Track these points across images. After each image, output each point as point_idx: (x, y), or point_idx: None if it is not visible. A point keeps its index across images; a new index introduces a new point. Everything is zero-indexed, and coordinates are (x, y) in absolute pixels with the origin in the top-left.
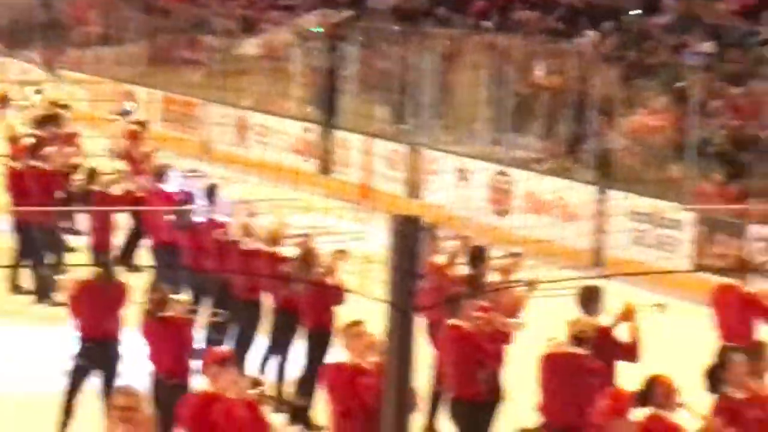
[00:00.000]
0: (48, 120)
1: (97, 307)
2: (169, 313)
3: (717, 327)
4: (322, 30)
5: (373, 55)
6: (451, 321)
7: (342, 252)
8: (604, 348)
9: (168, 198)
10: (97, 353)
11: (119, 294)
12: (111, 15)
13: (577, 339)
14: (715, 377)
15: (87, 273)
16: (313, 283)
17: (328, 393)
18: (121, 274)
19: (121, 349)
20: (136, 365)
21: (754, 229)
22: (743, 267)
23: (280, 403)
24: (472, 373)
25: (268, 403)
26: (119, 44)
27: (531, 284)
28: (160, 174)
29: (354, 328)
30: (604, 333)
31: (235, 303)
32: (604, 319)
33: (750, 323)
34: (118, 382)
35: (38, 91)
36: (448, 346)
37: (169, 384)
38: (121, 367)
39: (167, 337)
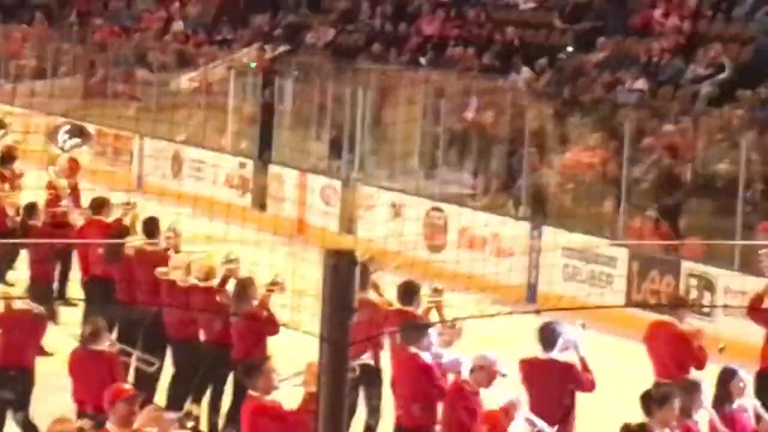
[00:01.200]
0: (11, 156)
1: (11, 336)
2: (99, 347)
3: (651, 363)
4: (255, 64)
5: (308, 91)
6: (413, 350)
7: (275, 284)
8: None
9: (102, 230)
10: (11, 382)
11: (34, 324)
12: (46, 48)
13: None
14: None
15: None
16: (245, 315)
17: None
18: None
19: (33, 379)
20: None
21: (688, 266)
22: (678, 304)
23: None
24: (423, 403)
25: None
26: (54, 77)
27: (455, 320)
28: (98, 207)
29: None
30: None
31: (168, 341)
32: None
33: (682, 361)
34: (30, 412)
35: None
36: (403, 374)
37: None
38: (31, 397)
39: (95, 370)
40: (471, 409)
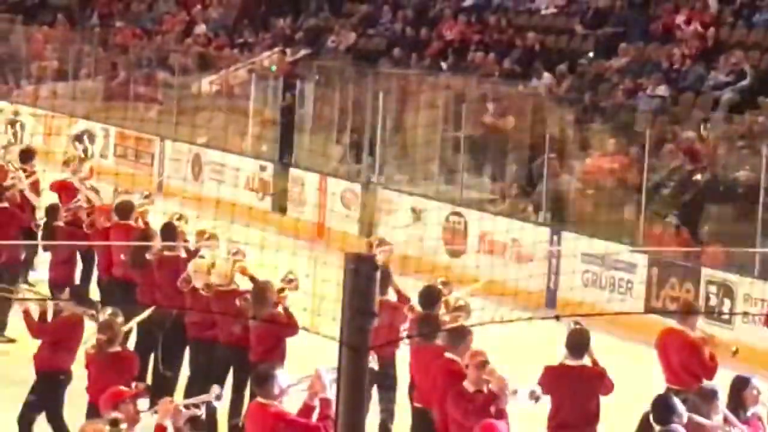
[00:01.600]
0: (32, 155)
1: (53, 341)
2: (116, 349)
3: (662, 370)
4: (276, 67)
5: (329, 94)
6: (449, 355)
7: (289, 281)
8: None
9: (127, 234)
10: (47, 386)
11: (78, 327)
12: (67, 50)
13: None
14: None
15: (42, 307)
16: (264, 319)
17: None
18: (75, 309)
19: (69, 382)
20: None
21: (708, 273)
22: (688, 311)
23: None
24: None
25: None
26: (75, 79)
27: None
28: (123, 211)
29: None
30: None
31: (187, 342)
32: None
33: (692, 369)
34: (64, 414)
35: (22, 126)
36: (439, 379)
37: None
38: (65, 399)
39: (111, 371)
40: (476, 413)
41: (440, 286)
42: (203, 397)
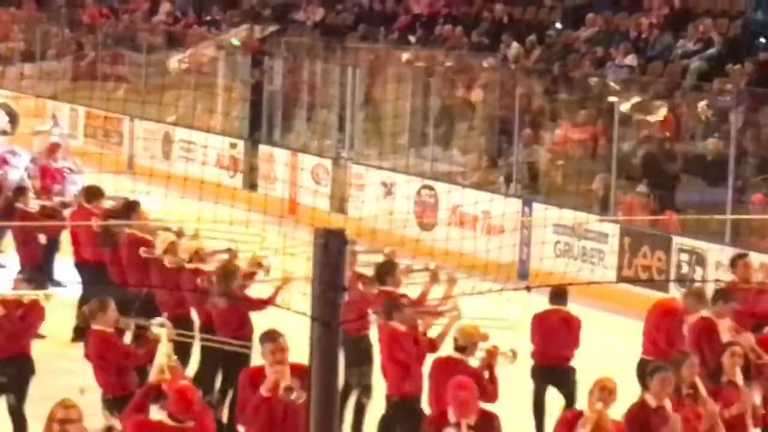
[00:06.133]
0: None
1: (13, 324)
2: (99, 327)
3: (643, 338)
4: (239, 42)
5: (297, 70)
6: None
7: (259, 265)
8: None
9: (90, 217)
10: (8, 371)
11: (31, 312)
12: (35, 31)
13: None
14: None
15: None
16: (232, 296)
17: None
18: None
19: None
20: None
21: (679, 241)
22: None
23: None
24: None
25: None
26: (43, 60)
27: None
28: (91, 195)
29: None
30: None
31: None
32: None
33: (670, 335)
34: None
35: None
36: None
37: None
38: (29, 385)
39: (102, 350)
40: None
41: (390, 257)
42: None
